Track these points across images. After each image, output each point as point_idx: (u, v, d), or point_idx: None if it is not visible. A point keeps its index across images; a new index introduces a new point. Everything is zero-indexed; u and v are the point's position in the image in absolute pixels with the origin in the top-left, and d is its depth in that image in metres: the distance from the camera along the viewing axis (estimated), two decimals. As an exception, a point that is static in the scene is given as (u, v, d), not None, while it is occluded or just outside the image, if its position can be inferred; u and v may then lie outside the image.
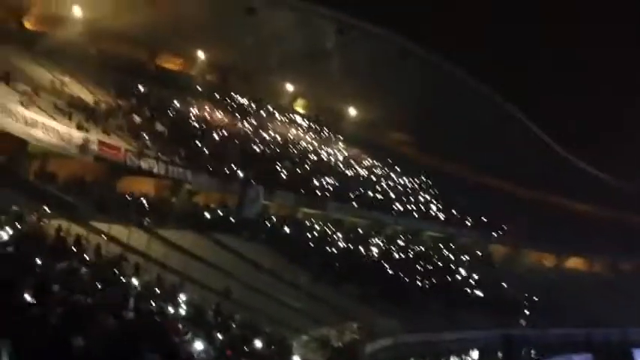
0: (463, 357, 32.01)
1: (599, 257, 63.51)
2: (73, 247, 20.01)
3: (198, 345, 15.57)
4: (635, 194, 68.92)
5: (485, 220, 55.09)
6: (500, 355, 33.96)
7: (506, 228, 55.94)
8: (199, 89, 48.69)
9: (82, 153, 26.91)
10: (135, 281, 19.02)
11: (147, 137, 34.18)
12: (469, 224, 53.91)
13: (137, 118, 36.08)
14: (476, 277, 44.09)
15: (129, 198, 29.33)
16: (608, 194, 68.15)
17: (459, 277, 43.51)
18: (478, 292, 41.43)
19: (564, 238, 58.21)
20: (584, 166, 68.20)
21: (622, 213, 71.44)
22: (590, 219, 69.21)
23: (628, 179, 68.88)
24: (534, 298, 44.99)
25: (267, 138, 48.26)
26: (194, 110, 45.03)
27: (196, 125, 42.05)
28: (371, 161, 57.90)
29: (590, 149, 65.00)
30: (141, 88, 41.55)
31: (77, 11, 36.58)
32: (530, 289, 47.24)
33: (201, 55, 48.32)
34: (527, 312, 42.51)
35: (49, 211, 22.14)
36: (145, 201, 29.98)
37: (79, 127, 28.71)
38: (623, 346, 42.23)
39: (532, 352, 34.40)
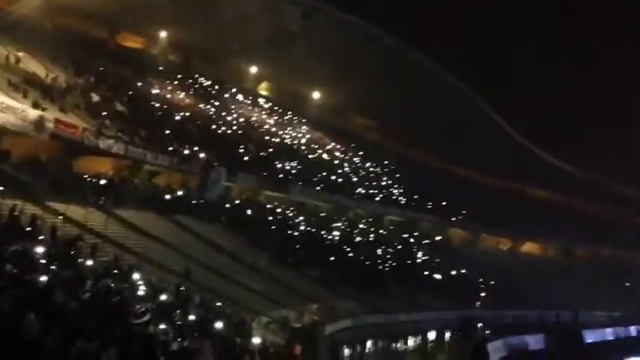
0: (421, 337, 32.59)
1: (554, 242, 65.29)
2: (27, 228, 19.58)
3: (157, 326, 15.49)
4: (589, 182, 71.00)
5: (445, 204, 55.97)
6: (456, 335, 34.68)
7: (465, 213, 56.99)
8: (161, 69, 47.90)
9: (37, 131, 26.23)
10: (91, 262, 18.74)
11: (106, 116, 33.51)
12: (429, 209, 54.70)
13: (95, 97, 35.30)
14: (435, 261, 44.92)
15: (86, 178, 28.76)
16: (564, 182, 70.06)
17: (419, 261, 44.24)
18: (437, 276, 42.20)
19: (520, 223, 59.63)
20: (541, 154, 69.89)
21: (577, 200, 73.54)
22: (546, 205, 71.02)
23: (584, 167, 70.82)
24: (490, 281, 46.07)
25: (230, 120, 47.89)
26: (155, 90, 44.33)
27: (157, 105, 41.41)
28: (334, 145, 58.08)
29: (548, 138, 66.49)
30: (100, 66, 40.62)
31: (34, -15, 35.46)
32: (486, 272, 48.39)
33: (163, 34, 47.48)
34: (483, 294, 43.54)
35: (2, 190, 21.57)
36: (103, 181, 29.44)
37: (35, 105, 27.96)
38: (573, 327, 43.68)
39: (487, 332, 35.22)
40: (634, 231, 68.66)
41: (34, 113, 26.12)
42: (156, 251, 25.28)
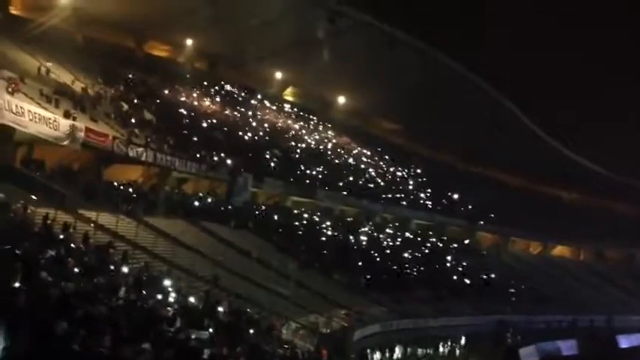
0: (450, 343, 32.27)
1: (585, 245, 64.15)
2: (60, 236, 19.90)
3: (189, 332, 15.60)
4: (621, 183, 69.59)
5: (473, 208, 55.42)
6: (487, 341, 34.24)
7: (493, 216, 56.36)
8: (188, 76, 48.43)
9: (69, 140, 26.69)
10: (124, 269, 18.97)
11: (135, 125, 33.97)
12: (457, 212, 54.22)
13: (125, 106, 35.84)
14: (464, 265, 44.50)
15: (116, 186, 29.17)
16: (595, 183, 68.80)
17: (448, 265, 43.87)
18: (466, 280, 41.80)
19: (551, 226, 58.73)
20: (572, 155, 68.71)
21: (608, 202, 72.16)
22: (577, 207, 69.83)
23: (615, 169, 69.45)
24: (521, 285, 45.45)
25: (256, 126, 48.16)
26: (182, 98, 44.84)
27: (185, 113, 41.86)
28: (360, 149, 57.99)
29: (580, 140, 65.42)
30: (128, 75, 41.25)
31: (63, -3, 36.17)
32: (516, 276, 47.76)
33: (189, 42, 48.02)
34: (513, 299, 42.99)
35: (36, 200, 21.99)
36: (133, 189, 29.84)
37: (66, 115, 28.46)
38: (607, 332, 42.83)
39: (518, 337, 34.75)
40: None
41: (65, 123, 26.58)
42: (185, 257, 25.51)
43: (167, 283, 19.89)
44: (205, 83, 49.90)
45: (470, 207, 55.24)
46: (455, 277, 41.72)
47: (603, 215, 68.22)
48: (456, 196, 56.15)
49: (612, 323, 46.59)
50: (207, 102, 47.42)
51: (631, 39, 60.19)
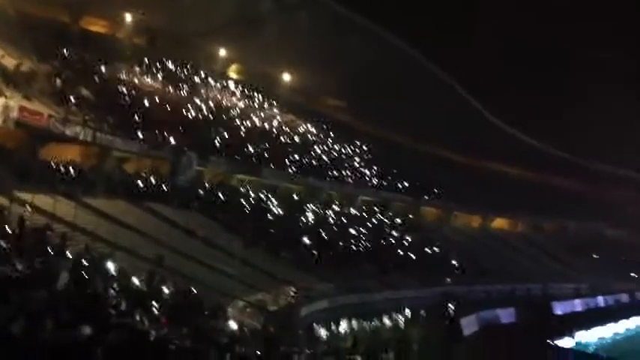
0: (395, 316, 33.02)
1: (523, 218, 66.55)
2: (-6, 219, 19.19)
3: (133, 315, 15.38)
4: (556, 157, 72.39)
5: (417, 184, 56.47)
6: (429, 312, 35.24)
7: (436, 191, 57.64)
8: (127, 53, 47.01)
9: (1, 119, 25.62)
10: (63, 252, 18.48)
11: (72, 103, 32.85)
12: (402, 188, 55.13)
13: (61, 83, 34.54)
14: (408, 240, 45.45)
15: (54, 166, 28.24)
16: (531, 158, 71.27)
17: (392, 240, 44.71)
18: (410, 254, 42.73)
19: (492, 200, 60.58)
20: (509, 129, 70.82)
21: (544, 175, 74.94)
22: (515, 181, 72.22)
23: (550, 142, 72.05)
24: (462, 257, 46.84)
25: (200, 103, 47.38)
26: (122, 75, 43.56)
27: (125, 90, 40.73)
28: (305, 127, 57.96)
29: (515, 113, 67.19)
30: (64, 51, 39.71)
31: (-8, -31, 34.31)
32: (458, 249, 49.17)
33: (128, 17, 46.53)
34: (455, 271, 44.30)
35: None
36: (71, 169, 28.97)
37: (-2, 93, 27.31)
38: (542, 300, 44.84)
39: (459, 308, 35.93)
40: (600, 204, 70.57)
41: (-4, 101, 25.52)
42: (128, 239, 25.06)
43: (109, 265, 19.51)
44: (146, 60, 48.59)
45: (414, 183, 56.24)
46: (399, 252, 42.58)
47: (539, 188, 70.92)
48: (400, 172, 56.99)
49: (548, 291, 48.85)
50: (148, 79, 46.25)
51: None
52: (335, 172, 50.58)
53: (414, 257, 42.48)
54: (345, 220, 43.69)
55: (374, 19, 53.21)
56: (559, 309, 44.19)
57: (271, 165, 43.26)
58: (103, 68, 41.62)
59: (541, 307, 42.17)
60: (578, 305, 47.59)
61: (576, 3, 61.76)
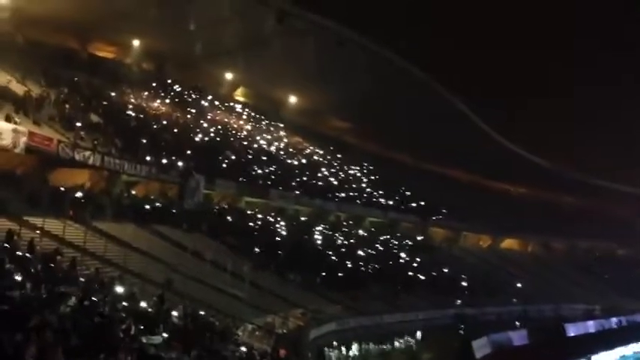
0: (406, 338, 32.67)
1: (532, 238, 66.09)
2: (4, 244, 19.19)
3: (142, 338, 15.30)
4: (564, 176, 72.01)
5: (425, 204, 56.30)
6: (441, 334, 34.86)
7: (445, 212, 57.40)
8: (135, 78, 47.45)
9: (11, 145, 25.76)
10: (73, 276, 18.46)
11: (81, 128, 33.07)
12: (410, 209, 54.97)
13: (69, 109, 34.82)
14: (417, 261, 45.17)
15: (63, 191, 28.31)
16: (540, 177, 70.95)
17: (401, 262, 44.44)
18: (419, 276, 42.43)
19: (500, 219, 60.26)
20: (518, 150, 70.64)
21: (553, 195, 74.57)
22: (524, 201, 71.90)
23: (558, 161, 71.78)
24: (472, 278, 46.46)
25: (207, 127, 47.63)
26: (130, 99, 43.92)
27: (133, 115, 41.01)
28: (312, 149, 58.10)
29: (522, 134, 67.12)
30: (73, 76, 40.11)
31: (2, -3, 34.84)
32: (468, 270, 48.81)
33: (135, 42, 47.04)
34: (466, 292, 43.89)
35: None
36: (80, 193, 29.03)
37: (8, 119, 27.48)
38: (555, 322, 44.25)
39: (471, 330, 35.54)
40: (610, 223, 69.98)
41: (7, 127, 25.67)
42: (137, 262, 25.00)
43: (119, 289, 19.46)
44: (153, 84, 49.02)
45: (422, 203, 56.09)
46: (409, 273, 42.28)
47: (549, 208, 70.54)
48: (408, 193, 56.90)
49: (560, 312, 48.25)
50: (155, 103, 46.60)
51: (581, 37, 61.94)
52: (342, 194, 50.52)
53: (423, 278, 42.17)
54: (353, 242, 43.51)
55: (379, 40, 53.47)
56: (572, 330, 43.58)
57: (279, 187, 43.25)
58: (111, 93, 41.98)
59: (554, 328, 41.60)
60: (591, 327, 46.89)
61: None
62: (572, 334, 42.98)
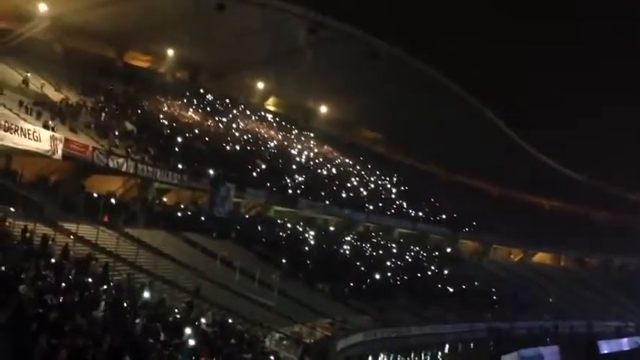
0: (434, 351, 32.39)
1: (565, 252, 64.83)
2: (40, 248, 19.63)
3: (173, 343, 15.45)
4: (600, 191, 70.51)
5: (455, 216, 55.78)
6: (462, 348, 34.46)
7: (475, 224, 56.75)
8: (169, 87, 48.24)
9: (48, 151, 26.41)
10: (105, 281, 18.77)
11: (115, 135, 33.74)
12: (439, 221, 54.51)
13: (105, 116, 35.57)
14: (446, 273, 44.72)
15: (97, 197, 28.88)
16: (574, 191, 69.59)
17: (430, 273, 44.04)
18: (448, 288, 41.99)
19: (532, 233, 59.29)
20: (552, 163, 69.51)
21: (587, 209, 73.08)
22: (558, 214, 70.60)
23: (594, 176, 70.39)
24: (503, 292, 45.77)
25: (238, 136, 48.08)
26: (164, 108, 44.64)
27: (166, 123, 41.67)
28: (342, 159, 58.11)
29: (558, 147, 66.19)
30: (108, 85, 40.98)
31: (42, 7, 35.82)
32: (498, 283, 48.10)
33: (170, 52, 47.86)
34: (495, 306, 43.25)
35: (14, 212, 21.70)
36: (113, 200, 29.58)
37: (46, 126, 28.20)
38: (588, 338, 43.24)
39: (502, 344, 34.97)
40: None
41: (45, 134, 26.34)
42: (167, 269, 25.31)
43: (149, 294, 19.70)
44: (187, 93, 49.74)
45: (452, 215, 55.58)
46: (438, 286, 41.88)
47: (583, 222, 69.10)
48: (438, 205, 56.46)
49: (593, 329, 47.11)
50: (188, 112, 47.27)
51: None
52: (372, 204, 50.37)
53: (452, 291, 41.72)
54: (382, 252, 43.31)
55: (409, 51, 53.33)
56: (605, 347, 42.51)
57: (308, 197, 43.33)
58: (145, 101, 42.75)
59: (586, 345, 40.64)
60: (625, 344, 45.69)
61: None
62: (606, 352, 41.97)
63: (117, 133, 34.27)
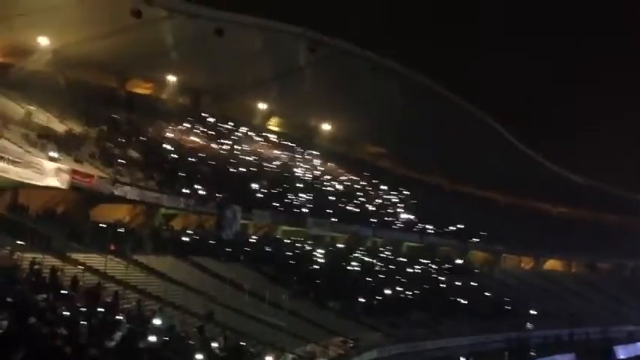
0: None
1: (577, 258, 64.37)
2: (49, 280, 19.70)
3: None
4: (608, 195, 70.12)
5: (463, 227, 55.53)
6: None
7: (484, 234, 56.44)
8: (171, 112, 48.52)
9: (54, 183, 26.58)
10: (116, 310, 18.79)
11: (120, 163, 33.93)
12: (447, 232, 54.28)
13: (109, 145, 35.81)
14: (457, 285, 44.45)
15: (104, 226, 28.99)
16: (583, 196, 69.23)
17: (441, 286, 43.78)
18: (460, 300, 41.70)
19: (542, 240, 58.95)
20: (557, 169, 69.25)
21: (596, 214, 72.62)
22: (566, 220, 70.21)
23: (601, 180, 69.99)
24: (515, 301, 45.41)
25: (242, 157, 48.21)
26: (167, 134, 44.90)
27: (170, 148, 41.88)
28: (347, 175, 58.11)
29: (563, 152, 66.08)
30: (111, 114, 41.30)
31: (44, 41, 36.26)
32: (510, 292, 47.74)
33: (171, 78, 48.24)
34: (508, 315, 42.90)
35: (23, 245, 21.81)
36: (120, 228, 29.68)
37: (51, 158, 28.42)
38: (604, 344, 42.80)
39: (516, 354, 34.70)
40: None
41: (50, 166, 26.53)
42: (177, 294, 25.29)
43: (160, 321, 19.69)
44: (189, 118, 50.01)
45: (460, 226, 55.33)
46: (450, 298, 41.61)
47: (592, 227, 68.64)
48: (445, 216, 56.22)
49: (608, 334, 46.60)
50: (191, 136, 47.49)
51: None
52: (379, 219, 50.24)
53: (464, 303, 41.43)
54: (391, 267, 43.12)
55: (408, 65, 53.45)
56: (622, 353, 42.08)
57: (315, 215, 43.26)
58: (149, 128, 43.01)
59: (603, 351, 40.24)
60: (641, 348, 45.20)
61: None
62: (622, 357, 41.50)
63: (121, 161, 34.47)
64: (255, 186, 42.75)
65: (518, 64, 62.02)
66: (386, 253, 46.48)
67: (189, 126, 48.97)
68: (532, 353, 36.65)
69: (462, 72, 56.31)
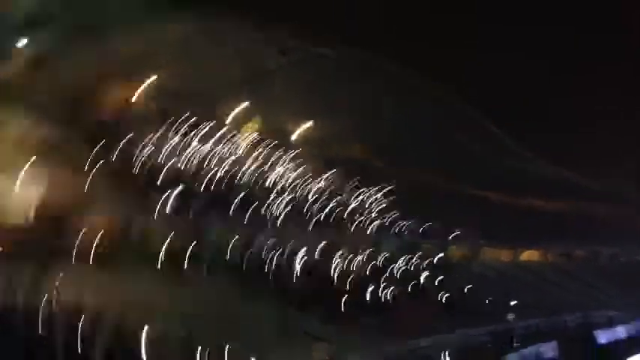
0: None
1: (553, 247, 65.26)
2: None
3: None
4: (582, 184, 71.08)
5: (441, 223, 55.89)
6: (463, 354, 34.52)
7: (463, 228, 56.92)
8: (146, 118, 47.80)
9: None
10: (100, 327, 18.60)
11: (97, 174, 33.38)
12: (427, 230, 54.60)
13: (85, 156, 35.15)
14: (439, 280, 44.86)
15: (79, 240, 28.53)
16: (557, 186, 70.08)
17: (423, 282, 44.15)
18: (443, 294, 42.11)
19: (518, 232, 59.62)
20: (529, 156, 69.81)
21: (574, 204, 73.51)
22: (540, 212, 70.97)
23: (574, 168, 70.82)
24: (497, 293, 45.99)
25: (222, 161, 47.74)
26: (143, 140, 44.25)
27: (147, 155, 41.28)
28: (328, 176, 57.90)
29: (541, 143, 66.36)
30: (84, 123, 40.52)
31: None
32: (492, 285, 48.33)
33: (145, 82, 47.49)
34: (490, 308, 43.46)
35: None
36: (97, 242, 29.25)
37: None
38: (584, 330, 43.64)
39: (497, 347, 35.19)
40: (632, 230, 68.80)
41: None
42: (159, 309, 25.08)
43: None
44: (165, 122, 49.31)
45: (440, 222, 55.67)
46: (432, 294, 41.96)
47: (565, 216, 69.50)
48: (424, 214, 56.47)
49: (588, 320, 47.49)
50: (168, 141, 46.85)
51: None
52: (361, 217, 50.28)
53: (447, 296, 41.83)
54: (373, 266, 43.27)
55: (393, 60, 52.96)
56: (603, 338, 42.89)
57: (293, 219, 43.08)
58: (124, 137, 42.35)
59: (584, 337, 41.02)
60: (621, 332, 46.09)
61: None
62: (604, 342, 42.31)
63: (99, 172, 33.88)
64: (234, 191, 42.35)
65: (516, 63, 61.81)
66: (367, 252, 46.55)
67: (165, 130, 48.29)
68: (516, 344, 37.21)
69: (450, 68, 55.72)
